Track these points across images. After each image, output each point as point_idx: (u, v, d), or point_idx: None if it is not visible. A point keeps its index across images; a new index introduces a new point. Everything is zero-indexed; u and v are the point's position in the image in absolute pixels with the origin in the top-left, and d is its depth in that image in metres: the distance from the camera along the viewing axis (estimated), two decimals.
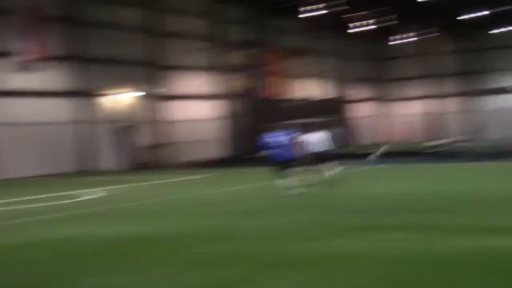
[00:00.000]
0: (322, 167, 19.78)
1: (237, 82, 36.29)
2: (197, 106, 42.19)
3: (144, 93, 38.81)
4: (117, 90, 37.05)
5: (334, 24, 52.52)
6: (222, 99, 44.07)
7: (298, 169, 18.14)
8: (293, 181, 17.05)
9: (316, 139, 20.01)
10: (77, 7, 35.11)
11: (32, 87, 32.81)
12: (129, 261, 9.31)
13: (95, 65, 35.86)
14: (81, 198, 19.69)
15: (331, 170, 19.71)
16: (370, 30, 55.71)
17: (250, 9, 36.52)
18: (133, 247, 10.50)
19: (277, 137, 17.55)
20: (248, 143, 43.12)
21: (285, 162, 17.13)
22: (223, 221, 12.94)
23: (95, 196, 20.23)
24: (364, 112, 61.99)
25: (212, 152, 41.16)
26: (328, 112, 50.26)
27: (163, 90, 39.48)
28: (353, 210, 13.72)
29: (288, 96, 47.13)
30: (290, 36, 50.16)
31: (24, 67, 32.01)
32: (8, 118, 31.50)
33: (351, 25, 55.47)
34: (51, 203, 18.33)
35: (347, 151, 35.08)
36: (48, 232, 12.60)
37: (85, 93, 35.31)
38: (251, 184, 22.42)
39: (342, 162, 22.17)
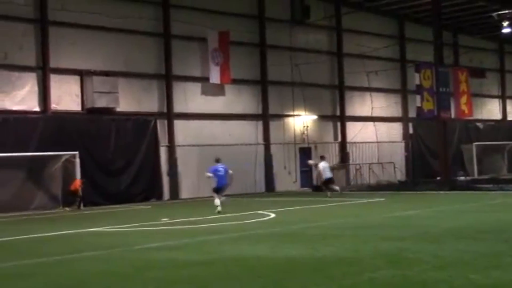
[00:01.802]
0: None
1: (420, 103, 35.70)
2: (377, 128, 42.06)
3: (324, 115, 39.39)
4: (297, 112, 37.94)
5: None
6: (403, 121, 43.62)
7: None
8: None
9: None
10: (263, 32, 36.48)
11: (217, 110, 34.55)
12: (298, 284, 9.53)
13: (277, 87, 37.04)
14: (255, 219, 20.43)
15: None
16: None
17: (436, 29, 35.98)
18: (303, 270, 10.77)
19: None
20: (428, 165, 42.28)
21: None
22: (399, 245, 12.91)
23: (273, 216, 20.92)
24: None
25: (391, 174, 40.77)
26: None
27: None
28: None
29: (472, 117, 45.57)
30: (473, 54, 48.56)
31: (211, 90, 33.89)
32: (193, 140, 33.31)
33: None
34: (223, 224, 19.22)
35: None
36: (218, 252, 13.18)
37: (266, 115, 36.53)
38: (430, 208, 22.04)
39: None
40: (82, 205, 27.79)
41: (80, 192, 27.90)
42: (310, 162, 33.41)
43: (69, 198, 27.89)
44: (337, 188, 29.73)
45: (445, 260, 11.08)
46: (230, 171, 23.72)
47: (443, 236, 14.29)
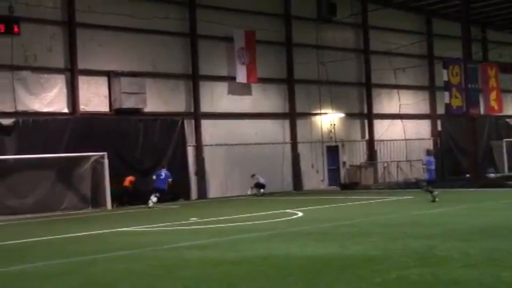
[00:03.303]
0: None
1: (448, 100, 35.42)
2: (405, 125, 41.81)
3: (351, 113, 39.30)
4: (325, 110, 37.87)
5: None
6: (431, 118, 43.33)
7: None
8: None
9: None
10: (289, 30, 36.48)
11: (244, 109, 34.64)
12: (329, 283, 9.56)
13: (304, 86, 37.01)
14: (284, 218, 20.47)
15: None
16: None
17: (464, 24, 35.70)
18: (333, 269, 10.81)
19: None
20: (457, 162, 41.88)
21: None
22: (428, 243, 12.84)
23: (301, 215, 20.94)
24: None
25: (419, 172, 40.43)
26: None
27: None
28: None
29: (502, 113, 45.11)
30: (502, 49, 47.99)
31: (238, 90, 34.01)
32: (220, 139, 33.45)
33: None
34: (253, 223, 19.29)
35: None
36: (249, 250, 13.26)
37: (294, 114, 36.53)
38: (459, 205, 21.87)
39: None
40: (127, 202, 28.93)
41: (131, 189, 28.85)
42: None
43: (118, 195, 28.53)
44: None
45: (475, 258, 11.01)
46: (170, 180, 27.74)
47: (472, 234, 14.19)
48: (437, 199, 23.13)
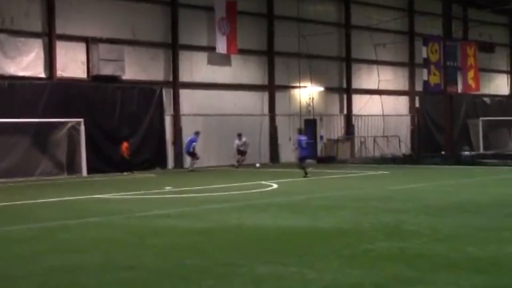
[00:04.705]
0: None
1: (427, 77, 35.60)
2: (383, 101, 41.92)
3: (331, 87, 39.33)
4: (304, 83, 37.87)
5: None
6: (409, 95, 43.51)
7: None
8: None
9: None
10: (270, 2, 36.28)
11: (223, 80, 34.53)
12: (298, 253, 9.66)
13: (284, 58, 36.93)
14: (259, 190, 20.55)
15: None
16: None
17: (445, 1, 35.80)
18: (303, 240, 10.92)
19: None
20: (433, 140, 42.25)
21: None
22: (399, 218, 12.98)
23: (276, 187, 21.04)
24: None
25: (396, 148, 40.75)
26: None
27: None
28: None
29: (479, 92, 45.51)
30: (483, 28, 48.21)
31: (217, 60, 33.85)
32: (199, 109, 33.35)
33: None
34: (226, 193, 19.36)
35: None
36: (221, 220, 13.33)
37: (273, 86, 36.49)
38: (433, 182, 22.10)
39: None
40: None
41: (126, 156, 28.95)
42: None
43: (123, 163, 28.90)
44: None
45: (443, 233, 11.16)
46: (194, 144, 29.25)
47: (444, 210, 14.37)
48: (308, 175, 24.49)
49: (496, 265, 8.56)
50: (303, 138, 26.04)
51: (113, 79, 29.99)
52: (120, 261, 9.38)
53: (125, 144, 29.02)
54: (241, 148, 32.77)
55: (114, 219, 13.93)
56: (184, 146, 31.39)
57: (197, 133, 31.01)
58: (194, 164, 30.48)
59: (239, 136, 32.67)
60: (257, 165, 32.69)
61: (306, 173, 24.73)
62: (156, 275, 8.45)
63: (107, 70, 29.38)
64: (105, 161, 29.31)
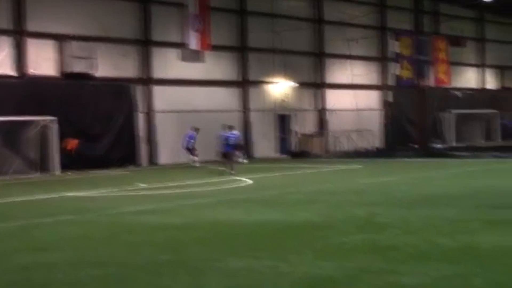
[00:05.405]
0: None
1: (398, 71, 35.93)
2: (356, 96, 42.17)
3: (304, 82, 39.46)
4: (277, 79, 37.96)
5: (500, 10, 50.24)
6: (381, 89, 43.83)
7: None
8: None
9: None
10: None
11: (196, 76, 34.47)
12: (272, 247, 9.73)
13: (257, 54, 36.97)
14: (233, 185, 20.60)
15: None
16: None
17: None
18: (277, 234, 10.99)
19: None
20: (406, 133, 42.60)
21: None
22: (371, 211, 13.11)
23: (247, 183, 21.09)
24: None
25: (369, 142, 41.05)
26: (491, 103, 48.59)
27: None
28: (498, 205, 13.42)
29: (450, 85, 45.98)
30: (453, 22, 48.66)
31: (190, 57, 33.78)
32: (172, 106, 33.26)
33: None
34: (200, 189, 19.37)
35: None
36: (194, 216, 13.36)
37: (246, 82, 36.54)
38: (405, 175, 22.33)
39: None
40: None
41: (73, 153, 28.23)
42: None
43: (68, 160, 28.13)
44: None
45: (414, 225, 11.32)
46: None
47: (415, 202, 14.54)
48: (233, 172, 24.02)
49: (466, 255, 8.72)
50: (228, 134, 25.57)
51: (85, 76, 29.78)
52: (93, 258, 9.38)
53: (74, 141, 28.36)
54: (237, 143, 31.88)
55: (88, 217, 13.88)
56: (182, 141, 31.08)
57: (196, 130, 30.86)
58: (194, 161, 30.28)
59: (230, 128, 31.59)
60: (241, 160, 32.01)
61: (231, 169, 24.34)
62: (129, 271, 8.47)
63: (79, 67, 29.20)
64: (78, 159, 29.10)
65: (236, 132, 26.83)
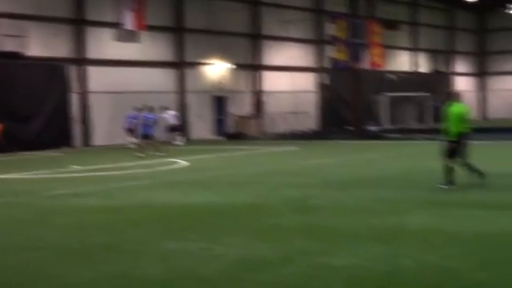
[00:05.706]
0: None
1: (334, 54, 36.26)
2: (292, 78, 42.42)
3: (240, 64, 39.42)
4: (214, 60, 37.80)
5: None
6: (317, 71, 44.18)
7: None
8: None
9: None
10: None
11: (132, 57, 34.01)
12: (206, 229, 9.72)
13: (193, 35, 36.70)
14: (168, 167, 20.48)
15: None
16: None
17: None
18: (212, 216, 10.98)
19: None
20: (341, 115, 43.13)
21: None
22: (305, 192, 13.21)
23: (183, 164, 21.00)
24: (463, 87, 60.21)
25: (305, 124, 41.39)
26: (424, 86, 49.61)
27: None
28: (431, 187, 13.71)
29: (385, 69, 46.68)
30: (388, 6, 49.37)
31: (125, 37, 33.27)
32: (107, 86, 32.74)
33: None
34: (135, 171, 19.20)
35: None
36: (128, 198, 13.23)
37: (182, 63, 36.28)
38: (340, 157, 22.61)
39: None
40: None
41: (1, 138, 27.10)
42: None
43: None
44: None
45: (348, 206, 11.48)
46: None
47: (349, 184, 14.73)
48: (158, 153, 23.87)
49: (397, 235, 8.90)
50: (149, 116, 24.97)
51: (15, 55, 28.96)
52: (25, 241, 9.18)
53: None
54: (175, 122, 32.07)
55: (19, 200, 13.56)
56: (124, 122, 28.55)
57: (139, 110, 27.13)
58: (132, 142, 27.43)
59: (166, 109, 31.58)
60: (178, 142, 31.93)
61: (158, 151, 24.03)
62: (61, 254, 8.32)
63: (8, 46, 28.43)
64: (9, 140, 28.33)
65: (172, 112, 26.60)
